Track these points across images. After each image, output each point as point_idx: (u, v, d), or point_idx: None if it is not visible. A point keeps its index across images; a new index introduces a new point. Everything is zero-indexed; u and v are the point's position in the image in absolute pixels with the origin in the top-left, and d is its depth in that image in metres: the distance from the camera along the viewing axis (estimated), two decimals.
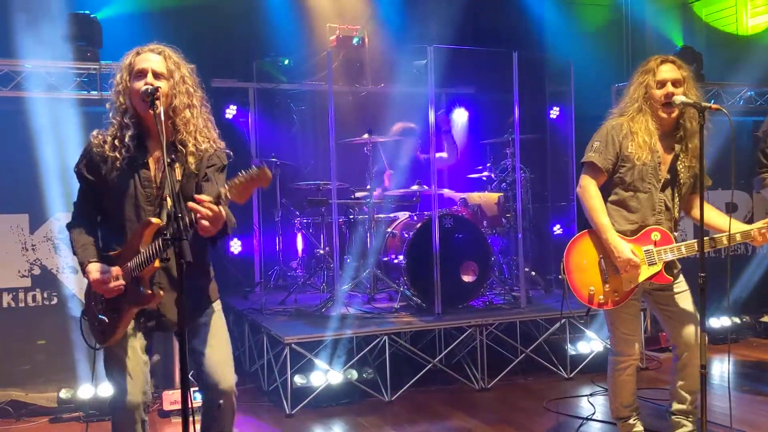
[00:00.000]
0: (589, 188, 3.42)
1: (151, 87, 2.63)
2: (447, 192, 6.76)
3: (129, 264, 2.69)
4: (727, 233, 3.27)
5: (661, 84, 3.36)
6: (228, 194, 2.41)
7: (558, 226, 7.48)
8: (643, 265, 3.34)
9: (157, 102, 2.58)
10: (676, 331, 3.48)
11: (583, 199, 3.43)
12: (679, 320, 3.47)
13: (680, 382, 3.52)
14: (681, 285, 3.50)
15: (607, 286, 3.38)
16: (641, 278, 3.36)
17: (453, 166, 7.24)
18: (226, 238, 2.73)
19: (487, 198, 6.49)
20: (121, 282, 2.68)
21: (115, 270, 2.69)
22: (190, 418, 2.37)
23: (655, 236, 3.37)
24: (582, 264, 3.41)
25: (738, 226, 3.32)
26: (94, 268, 2.72)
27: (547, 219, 7.49)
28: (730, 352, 5.60)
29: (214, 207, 2.41)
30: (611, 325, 3.53)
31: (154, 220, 2.68)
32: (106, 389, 4.69)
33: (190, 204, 2.45)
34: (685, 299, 3.48)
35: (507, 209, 6.41)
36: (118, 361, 2.79)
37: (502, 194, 6.44)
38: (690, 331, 3.44)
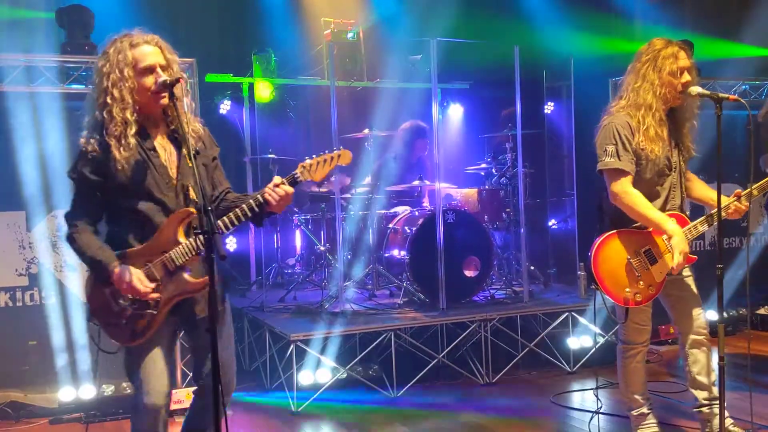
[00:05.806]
0: (628, 191, 3.28)
1: (168, 78, 2.58)
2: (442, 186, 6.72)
3: (165, 256, 2.64)
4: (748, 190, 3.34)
5: (681, 72, 3.30)
6: (302, 176, 2.82)
7: (554, 220, 7.49)
8: (668, 253, 3.31)
9: (176, 91, 2.56)
10: (681, 316, 3.49)
11: (626, 202, 3.28)
12: (684, 304, 3.48)
13: (694, 369, 3.48)
14: (685, 270, 3.50)
15: (641, 283, 3.34)
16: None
17: (451, 160, 7.21)
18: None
19: (465, 194, 6.47)
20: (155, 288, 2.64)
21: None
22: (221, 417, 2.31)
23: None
24: (612, 269, 3.33)
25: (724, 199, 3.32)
26: (135, 273, 2.59)
27: (545, 214, 7.49)
28: (731, 345, 5.63)
29: (289, 189, 2.77)
30: (624, 315, 3.49)
31: (191, 208, 2.67)
32: (109, 390, 4.64)
33: (266, 190, 2.77)
34: (689, 284, 3.49)
35: (505, 204, 6.39)
36: (143, 361, 2.69)
37: (481, 189, 6.39)
38: (694, 314, 3.46)
